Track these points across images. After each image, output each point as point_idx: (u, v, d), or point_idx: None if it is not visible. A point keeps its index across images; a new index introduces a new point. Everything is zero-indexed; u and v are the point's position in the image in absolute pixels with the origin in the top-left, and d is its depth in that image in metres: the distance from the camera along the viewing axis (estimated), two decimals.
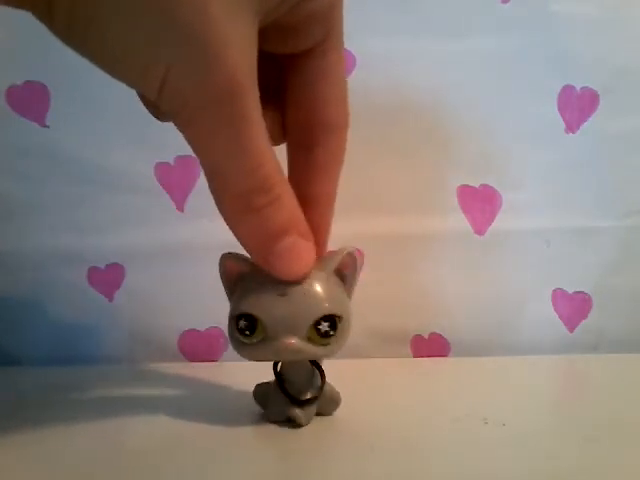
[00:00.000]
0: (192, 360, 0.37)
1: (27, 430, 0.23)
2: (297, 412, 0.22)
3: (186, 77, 0.16)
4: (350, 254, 0.22)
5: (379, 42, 0.36)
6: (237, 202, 0.19)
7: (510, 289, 0.38)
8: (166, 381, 0.31)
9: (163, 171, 0.36)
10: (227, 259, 0.22)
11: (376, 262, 0.36)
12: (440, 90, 0.36)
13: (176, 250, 0.36)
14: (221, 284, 0.22)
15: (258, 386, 0.24)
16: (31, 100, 0.35)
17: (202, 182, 0.35)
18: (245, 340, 0.21)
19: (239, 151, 0.18)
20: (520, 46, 0.36)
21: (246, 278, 0.21)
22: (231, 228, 0.20)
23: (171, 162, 0.36)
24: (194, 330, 0.37)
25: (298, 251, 0.20)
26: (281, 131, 0.22)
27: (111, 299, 0.37)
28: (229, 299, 0.22)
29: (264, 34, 0.18)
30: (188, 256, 0.36)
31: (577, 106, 0.37)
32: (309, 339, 0.20)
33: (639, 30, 0.37)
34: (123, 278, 0.37)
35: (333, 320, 0.21)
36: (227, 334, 0.22)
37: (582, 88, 0.37)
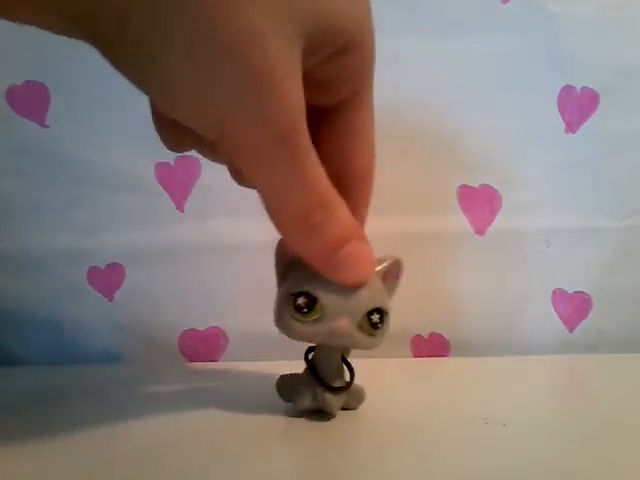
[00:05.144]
0: (192, 360, 0.37)
1: (27, 430, 0.23)
2: (330, 397, 0.22)
3: (249, 116, 0.17)
4: (397, 262, 0.23)
5: (379, 42, 0.36)
6: (296, 220, 0.19)
7: (510, 289, 0.38)
8: (166, 381, 0.31)
9: (163, 171, 0.36)
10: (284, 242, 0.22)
11: None
12: (440, 90, 0.36)
13: (176, 250, 0.36)
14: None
15: (282, 377, 0.24)
16: (31, 100, 0.35)
17: (202, 182, 0.36)
18: (300, 318, 0.21)
19: (298, 178, 0.18)
20: (520, 46, 0.36)
21: (304, 262, 0.21)
22: (291, 243, 0.20)
23: (171, 162, 0.36)
24: (194, 330, 0.37)
25: (359, 255, 0.20)
26: None
27: (111, 299, 0.37)
28: (280, 281, 0.23)
29: None
30: (188, 256, 0.36)
31: (577, 106, 0.37)
32: (360, 327, 0.21)
33: (639, 30, 0.37)
34: (123, 278, 0.37)
35: (382, 314, 0.22)
36: (276, 312, 0.22)
37: (582, 88, 0.37)
